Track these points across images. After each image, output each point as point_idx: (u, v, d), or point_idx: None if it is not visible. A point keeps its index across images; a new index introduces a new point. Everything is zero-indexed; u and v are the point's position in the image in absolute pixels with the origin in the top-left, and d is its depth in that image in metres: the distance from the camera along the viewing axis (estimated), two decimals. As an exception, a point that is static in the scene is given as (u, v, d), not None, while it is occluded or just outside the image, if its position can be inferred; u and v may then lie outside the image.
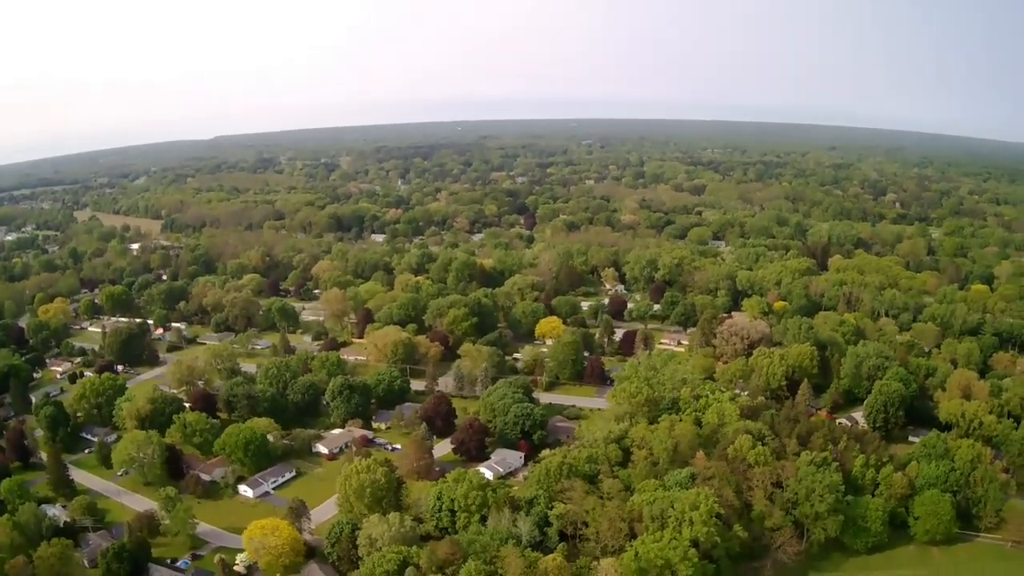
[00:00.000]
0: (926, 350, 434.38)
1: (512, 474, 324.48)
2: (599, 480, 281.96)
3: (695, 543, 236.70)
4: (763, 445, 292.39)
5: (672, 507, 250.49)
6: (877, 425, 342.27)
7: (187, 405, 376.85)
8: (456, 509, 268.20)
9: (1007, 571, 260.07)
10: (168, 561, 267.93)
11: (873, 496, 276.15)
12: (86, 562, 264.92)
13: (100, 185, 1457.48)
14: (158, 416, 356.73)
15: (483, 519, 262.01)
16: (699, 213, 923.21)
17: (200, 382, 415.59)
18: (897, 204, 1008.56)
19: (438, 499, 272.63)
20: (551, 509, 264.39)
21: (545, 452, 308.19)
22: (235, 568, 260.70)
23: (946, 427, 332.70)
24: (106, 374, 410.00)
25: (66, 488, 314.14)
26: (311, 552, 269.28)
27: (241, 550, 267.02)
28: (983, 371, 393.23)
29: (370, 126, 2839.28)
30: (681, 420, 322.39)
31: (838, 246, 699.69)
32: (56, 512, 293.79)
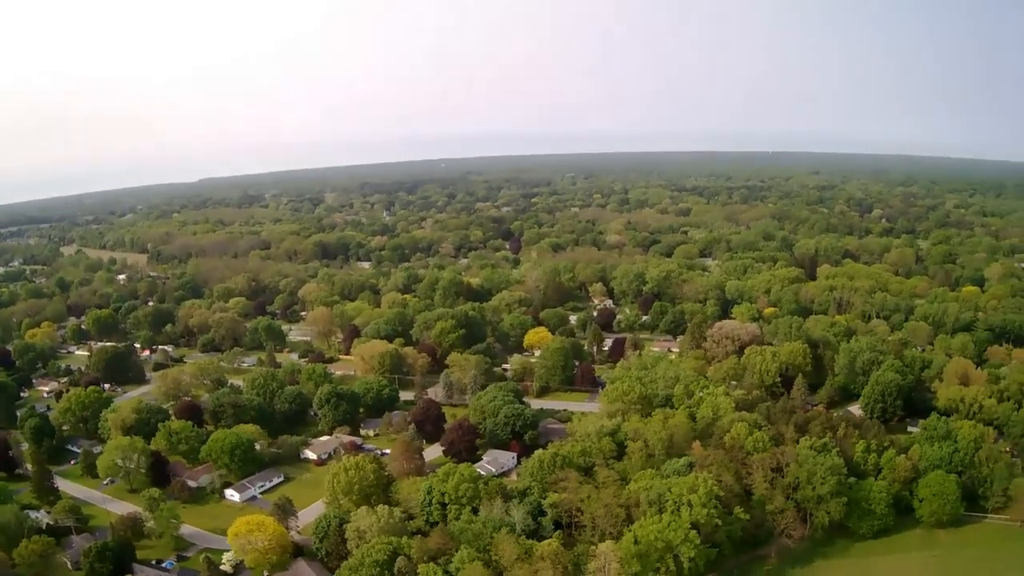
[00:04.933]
0: (920, 349, 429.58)
1: (505, 474, 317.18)
2: (594, 472, 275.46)
3: (695, 526, 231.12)
4: (760, 431, 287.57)
5: (670, 491, 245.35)
6: (875, 415, 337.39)
7: (173, 416, 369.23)
8: (447, 502, 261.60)
9: (1019, 551, 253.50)
10: (153, 562, 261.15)
11: (876, 480, 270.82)
12: (69, 564, 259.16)
13: (87, 222, 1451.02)
14: (143, 426, 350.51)
15: (475, 511, 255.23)
16: (685, 232, 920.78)
17: (187, 398, 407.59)
18: (883, 220, 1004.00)
19: (428, 493, 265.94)
20: (544, 499, 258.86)
21: (538, 452, 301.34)
22: (221, 567, 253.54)
23: (946, 415, 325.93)
24: (92, 387, 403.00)
25: (50, 496, 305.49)
26: (299, 552, 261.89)
27: (227, 551, 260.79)
28: (979, 364, 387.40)
29: (354, 166, 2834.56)
30: (675, 415, 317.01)
31: (826, 257, 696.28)
32: (39, 516, 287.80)
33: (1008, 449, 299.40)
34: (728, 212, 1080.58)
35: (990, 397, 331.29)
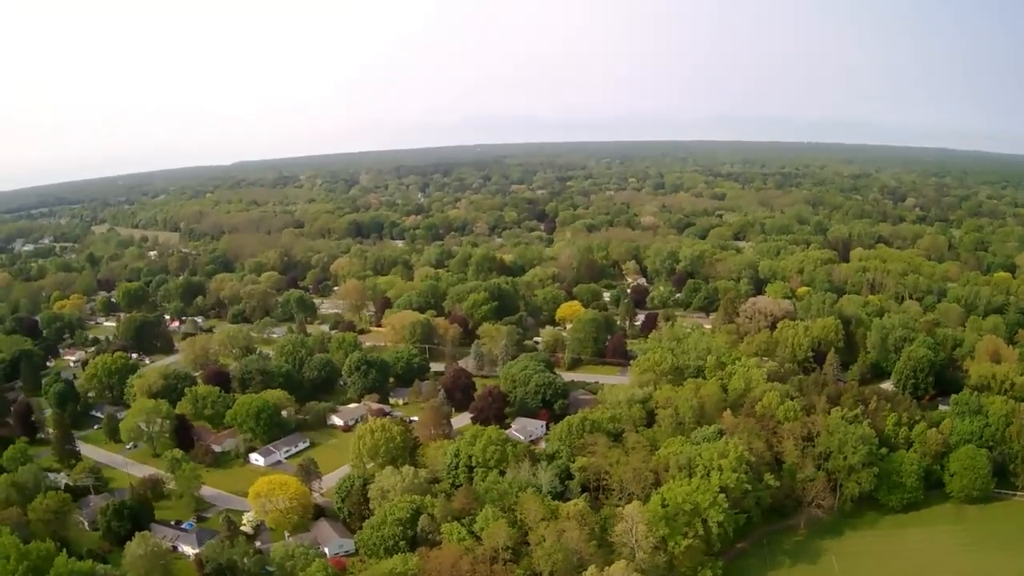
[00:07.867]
0: (952, 329, 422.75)
1: (534, 443, 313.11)
2: (623, 438, 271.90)
3: (724, 490, 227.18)
4: (792, 400, 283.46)
5: (700, 456, 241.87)
6: (907, 391, 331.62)
7: (200, 382, 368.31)
8: (474, 465, 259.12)
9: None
10: (172, 522, 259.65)
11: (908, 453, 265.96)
12: (86, 524, 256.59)
13: (118, 202, 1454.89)
14: (170, 391, 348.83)
15: (502, 474, 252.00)
16: (719, 216, 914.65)
17: (214, 365, 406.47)
18: (916, 208, 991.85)
19: (455, 456, 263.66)
20: (572, 463, 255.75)
21: (568, 417, 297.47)
22: (242, 528, 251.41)
23: (977, 392, 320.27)
24: (119, 353, 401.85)
25: (71, 459, 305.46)
26: (320, 514, 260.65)
27: (249, 511, 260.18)
28: (1010, 344, 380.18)
29: (389, 150, 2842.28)
30: (706, 385, 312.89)
31: (859, 241, 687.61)
32: (58, 477, 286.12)
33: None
34: (762, 197, 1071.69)
35: (1022, 375, 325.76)
